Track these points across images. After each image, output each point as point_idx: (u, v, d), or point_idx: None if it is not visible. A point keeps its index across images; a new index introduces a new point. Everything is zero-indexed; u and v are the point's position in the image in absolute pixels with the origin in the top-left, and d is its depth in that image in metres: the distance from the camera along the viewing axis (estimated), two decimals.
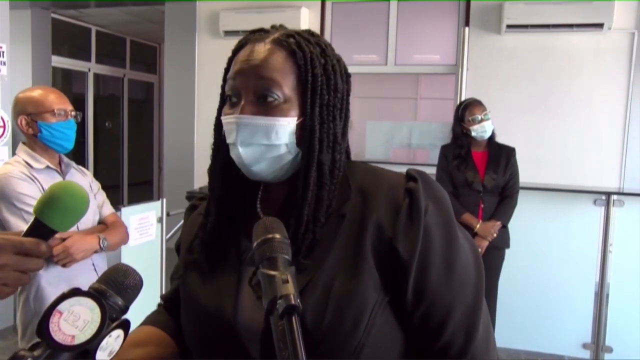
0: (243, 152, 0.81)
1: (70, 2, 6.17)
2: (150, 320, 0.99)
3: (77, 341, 0.60)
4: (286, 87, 0.81)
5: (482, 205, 3.23)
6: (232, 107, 0.84)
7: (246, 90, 0.82)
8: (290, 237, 0.74)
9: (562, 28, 4.71)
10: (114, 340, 0.64)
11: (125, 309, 0.67)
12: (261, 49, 0.83)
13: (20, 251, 0.69)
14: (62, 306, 0.61)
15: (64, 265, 1.93)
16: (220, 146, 0.88)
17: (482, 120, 3.23)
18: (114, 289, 0.66)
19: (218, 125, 0.88)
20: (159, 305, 1.05)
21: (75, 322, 0.61)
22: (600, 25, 4.60)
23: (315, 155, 0.82)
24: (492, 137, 3.32)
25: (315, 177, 0.82)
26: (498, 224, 3.20)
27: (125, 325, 0.65)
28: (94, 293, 0.64)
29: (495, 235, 3.17)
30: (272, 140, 0.81)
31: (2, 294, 0.69)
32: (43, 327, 0.60)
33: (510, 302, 3.47)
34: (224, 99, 0.88)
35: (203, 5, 5.82)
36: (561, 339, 3.58)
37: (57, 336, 0.59)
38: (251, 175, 0.85)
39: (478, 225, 3.18)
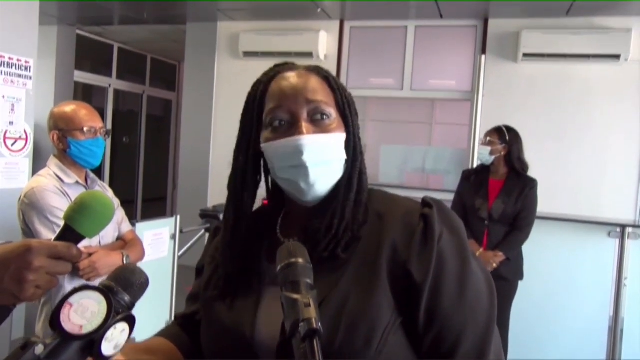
0: (312, 172, 0.84)
1: (96, 20, 6.32)
2: (163, 333, 1.03)
3: (84, 331, 0.64)
4: (331, 107, 0.88)
5: (487, 234, 3.17)
6: (276, 131, 0.86)
7: (298, 113, 0.86)
8: (332, 234, 0.83)
9: (579, 58, 4.73)
10: (119, 333, 0.67)
11: (131, 305, 0.71)
12: (298, 75, 0.89)
13: (53, 254, 0.73)
14: (73, 299, 0.66)
15: (88, 280, 1.97)
16: (249, 173, 0.91)
17: (482, 143, 3.26)
18: (121, 285, 0.70)
19: (252, 154, 0.90)
20: (175, 319, 1.08)
21: (84, 313, 0.65)
22: (617, 57, 4.62)
23: (357, 165, 0.90)
24: (513, 167, 3.19)
25: (357, 182, 0.89)
26: (500, 255, 3.10)
27: (130, 320, 0.69)
28: (102, 288, 0.68)
29: (495, 266, 3.07)
30: (335, 155, 0.87)
31: (35, 297, 0.73)
32: (55, 318, 0.64)
33: (521, 334, 3.41)
34: (251, 128, 0.90)
35: (224, 26, 5.94)
36: None
37: (67, 326, 0.63)
38: (306, 194, 0.87)
39: (477, 254, 3.08)
